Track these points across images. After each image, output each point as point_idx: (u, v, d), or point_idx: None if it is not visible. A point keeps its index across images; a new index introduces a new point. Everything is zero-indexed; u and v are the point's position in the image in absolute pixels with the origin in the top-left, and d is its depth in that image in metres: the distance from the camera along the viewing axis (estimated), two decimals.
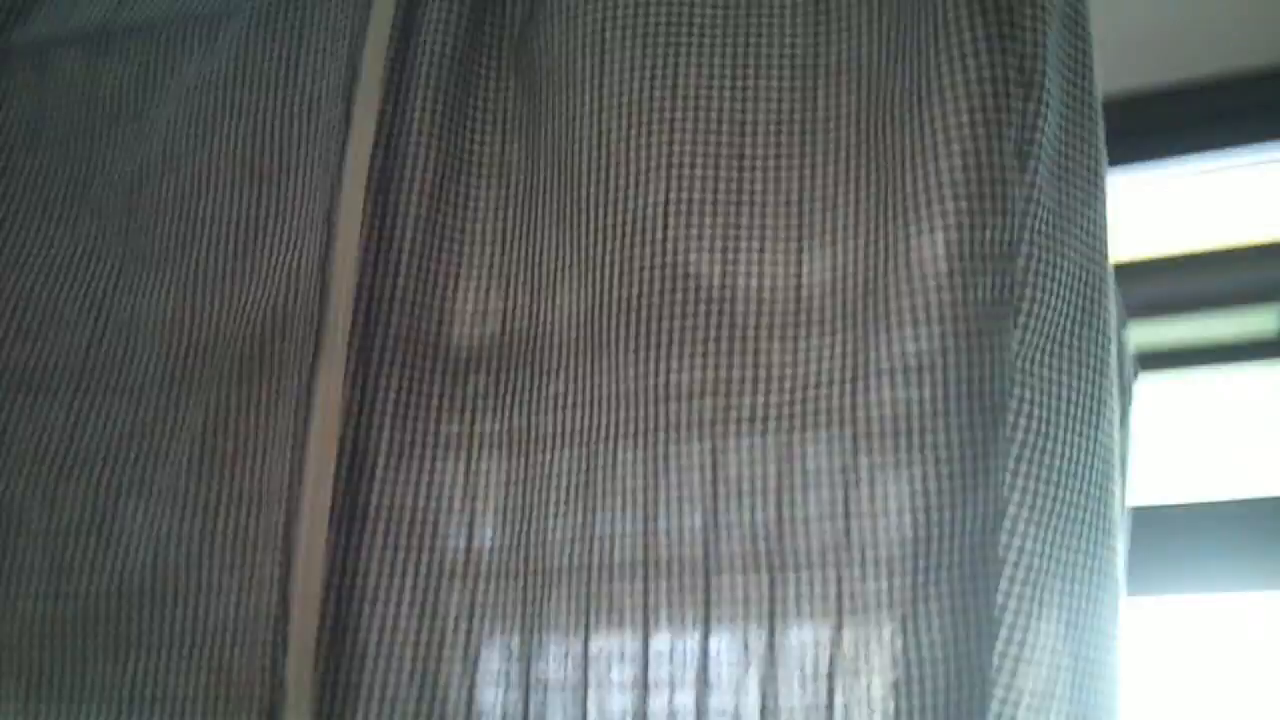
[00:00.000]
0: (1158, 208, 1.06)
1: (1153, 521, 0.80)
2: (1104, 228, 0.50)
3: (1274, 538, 0.88)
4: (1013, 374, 0.45)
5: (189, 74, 0.65)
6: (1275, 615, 0.89)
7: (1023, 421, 0.45)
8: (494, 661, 0.51)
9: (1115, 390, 0.50)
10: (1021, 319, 0.46)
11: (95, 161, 0.66)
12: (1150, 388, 0.92)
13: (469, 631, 0.51)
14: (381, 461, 0.52)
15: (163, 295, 0.60)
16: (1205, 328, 1.03)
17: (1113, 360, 0.50)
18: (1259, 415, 1.01)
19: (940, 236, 0.46)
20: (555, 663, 0.50)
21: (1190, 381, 1.01)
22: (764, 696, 0.47)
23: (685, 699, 0.49)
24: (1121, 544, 0.49)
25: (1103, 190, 0.51)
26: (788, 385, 0.50)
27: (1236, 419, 1.01)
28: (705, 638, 0.49)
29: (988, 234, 0.46)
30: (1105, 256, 0.50)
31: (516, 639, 0.51)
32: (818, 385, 0.49)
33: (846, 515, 0.47)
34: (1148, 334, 0.99)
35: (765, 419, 0.50)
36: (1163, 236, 1.03)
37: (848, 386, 0.49)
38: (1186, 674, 0.90)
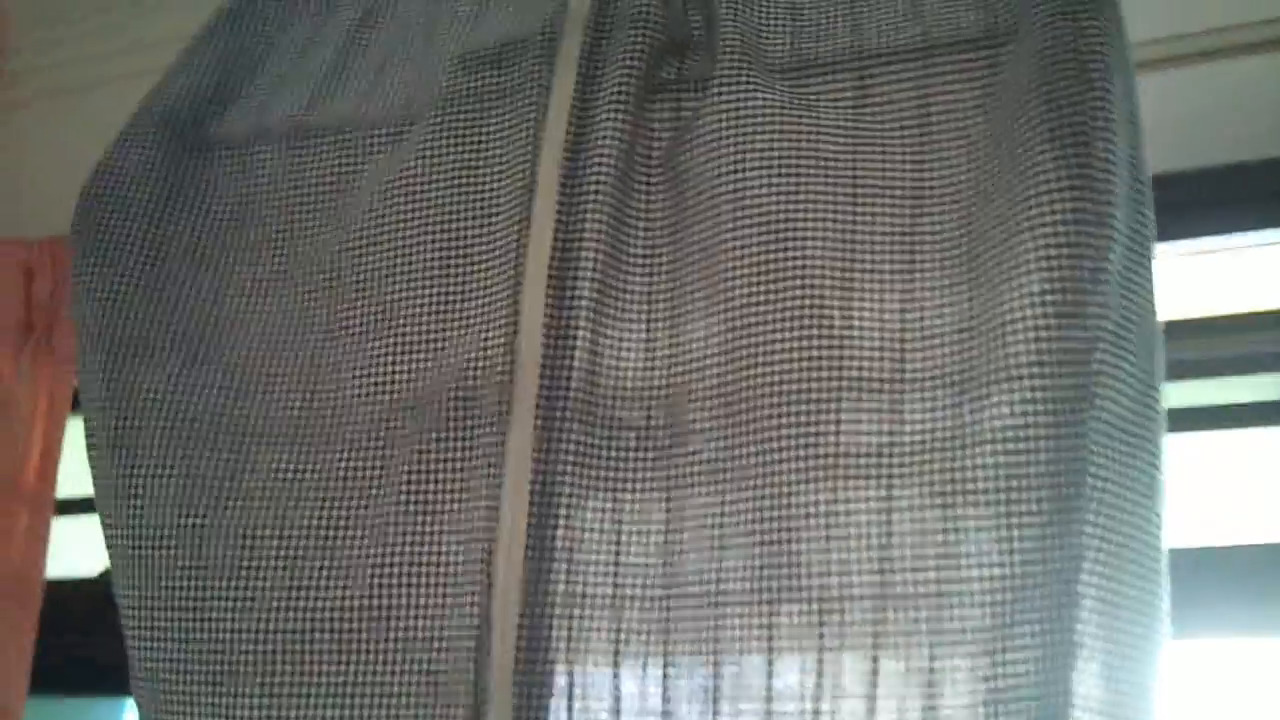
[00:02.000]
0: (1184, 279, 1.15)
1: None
2: (1156, 325, 0.62)
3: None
4: (1088, 453, 0.57)
5: (379, 172, 0.76)
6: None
7: (1097, 494, 0.57)
8: (658, 674, 0.62)
9: (1164, 465, 0.61)
10: (1094, 409, 0.57)
11: (297, 244, 0.77)
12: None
13: (626, 651, 0.63)
14: (564, 504, 0.64)
15: (364, 362, 0.71)
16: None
17: (1163, 438, 0.61)
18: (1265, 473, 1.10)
19: (1030, 343, 0.57)
20: (697, 677, 0.61)
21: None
22: (866, 710, 0.58)
23: (798, 711, 0.59)
24: (1166, 593, 0.60)
25: (1154, 294, 0.62)
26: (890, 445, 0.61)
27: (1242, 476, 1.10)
28: (819, 663, 0.59)
29: (1068, 342, 0.57)
30: (1158, 351, 0.62)
31: (661, 659, 0.62)
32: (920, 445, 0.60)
33: (943, 561, 0.58)
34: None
35: (872, 470, 0.61)
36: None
37: (948, 450, 0.60)
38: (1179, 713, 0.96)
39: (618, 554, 0.64)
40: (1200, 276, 1.15)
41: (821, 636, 0.59)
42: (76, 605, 1.14)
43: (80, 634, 1.11)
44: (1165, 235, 1.06)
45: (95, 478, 0.73)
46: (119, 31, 1.32)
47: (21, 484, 1.15)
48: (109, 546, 0.72)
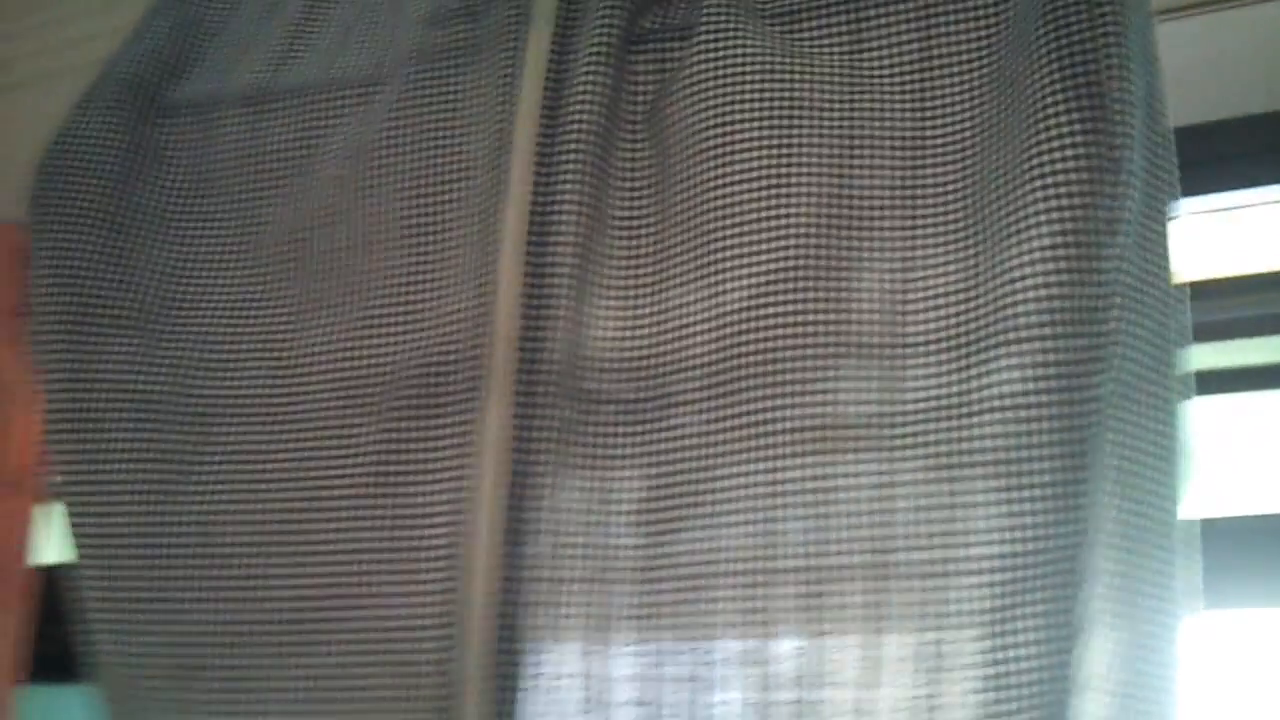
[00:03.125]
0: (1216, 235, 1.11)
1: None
2: (1173, 282, 0.58)
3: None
4: (1101, 419, 0.53)
5: (346, 136, 0.72)
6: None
7: (1113, 463, 0.53)
8: (641, 658, 0.58)
9: (1182, 428, 0.57)
10: (1109, 372, 0.53)
11: (261, 213, 0.73)
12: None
13: (612, 631, 0.59)
14: (544, 483, 0.60)
15: (334, 336, 0.68)
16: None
17: (1181, 400, 0.57)
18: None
19: (1038, 301, 0.53)
20: (683, 661, 0.58)
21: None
22: (865, 692, 0.54)
23: (793, 695, 0.56)
24: (1189, 561, 0.56)
25: (1172, 252, 0.58)
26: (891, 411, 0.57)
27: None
28: (814, 645, 0.56)
29: (1079, 300, 0.53)
30: (1175, 309, 0.58)
31: (650, 637, 0.59)
32: (920, 414, 0.57)
33: (947, 534, 0.54)
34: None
35: (870, 441, 0.57)
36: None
37: (950, 418, 0.56)
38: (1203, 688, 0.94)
39: (600, 533, 0.60)
40: (1220, 234, 1.11)
41: (817, 617, 0.56)
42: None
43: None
44: (1187, 191, 1.05)
45: (55, 458, 0.70)
46: (110, 12, 1.29)
47: (5, 470, 1.13)
48: (69, 530, 0.69)
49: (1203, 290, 1.04)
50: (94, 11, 1.31)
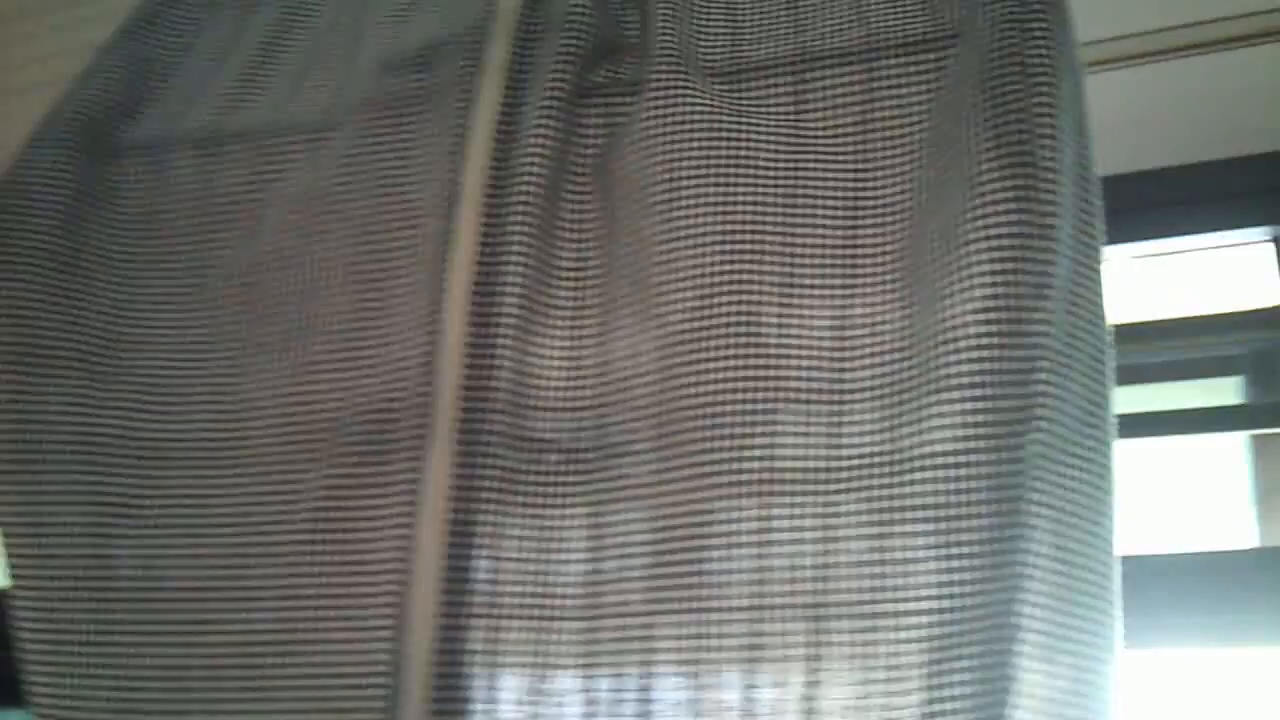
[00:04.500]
0: (1127, 281, 1.14)
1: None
2: (1105, 343, 0.60)
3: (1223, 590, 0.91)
4: (1029, 477, 0.54)
5: (297, 180, 0.72)
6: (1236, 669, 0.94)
7: (1037, 520, 0.54)
8: (579, 704, 0.59)
9: (1114, 483, 0.59)
10: (1036, 432, 0.54)
11: (210, 256, 0.73)
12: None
13: (555, 676, 0.60)
14: (486, 532, 0.61)
15: (278, 379, 0.68)
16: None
17: (1113, 455, 0.59)
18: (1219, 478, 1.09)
19: (970, 362, 0.55)
20: (623, 705, 0.58)
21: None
22: None
23: None
24: (1119, 612, 0.58)
25: (1103, 308, 0.60)
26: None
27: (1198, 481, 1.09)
28: (751, 678, 0.56)
29: (1009, 361, 0.54)
30: (1106, 367, 0.59)
31: (593, 683, 0.59)
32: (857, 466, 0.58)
33: (882, 588, 0.55)
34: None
35: (807, 491, 0.58)
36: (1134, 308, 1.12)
37: (884, 472, 0.57)
38: None
39: (543, 579, 0.61)
40: (1151, 280, 1.14)
41: (753, 659, 0.57)
42: None
43: None
44: (1116, 238, 1.07)
45: None
46: (76, 30, 1.28)
47: None
48: (10, 569, 0.68)
49: (1129, 334, 1.07)
50: (60, 29, 1.30)
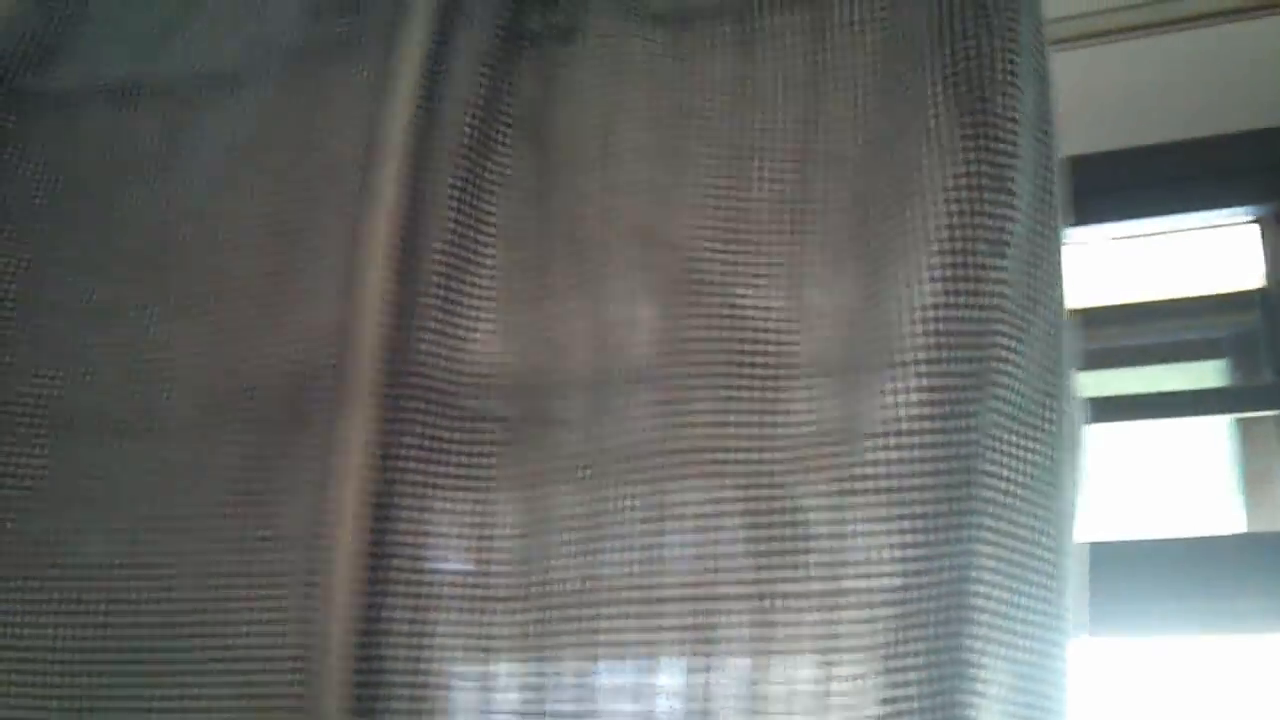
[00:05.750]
0: (1108, 263, 1.11)
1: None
2: (1064, 306, 0.56)
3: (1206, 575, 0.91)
4: (983, 445, 0.50)
5: (213, 132, 0.69)
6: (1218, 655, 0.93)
7: (989, 493, 0.50)
8: (511, 688, 0.55)
9: (1071, 454, 0.55)
10: (991, 397, 0.51)
11: (123, 212, 0.69)
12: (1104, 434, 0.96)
13: (487, 660, 0.56)
14: (405, 503, 0.57)
15: (193, 343, 0.64)
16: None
17: (1070, 427, 0.55)
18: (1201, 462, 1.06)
19: (921, 323, 0.51)
20: (561, 690, 0.55)
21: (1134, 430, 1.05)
22: None
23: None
24: (1074, 590, 0.54)
25: (1063, 272, 0.56)
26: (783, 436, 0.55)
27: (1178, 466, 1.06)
28: (705, 668, 0.53)
29: (963, 323, 0.51)
30: (1064, 333, 0.56)
31: (528, 667, 0.56)
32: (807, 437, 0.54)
33: (835, 564, 0.52)
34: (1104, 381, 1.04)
35: (753, 466, 0.54)
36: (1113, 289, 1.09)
37: (835, 443, 0.53)
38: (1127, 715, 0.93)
39: (472, 556, 0.57)
40: (1132, 262, 1.11)
41: (703, 646, 0.53)
42: None
43: None
44: (1089, 219, 1.04)
45: None
46: None
47: None
48: None
49: (1099, 316, 1.04)
50: None
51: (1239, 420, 1.04)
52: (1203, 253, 1.11)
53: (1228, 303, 1.07)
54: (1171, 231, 1.09)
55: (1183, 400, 1.01)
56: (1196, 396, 1.02)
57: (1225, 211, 1.06)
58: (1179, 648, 0.92)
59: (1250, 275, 1.05)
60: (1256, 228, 1.06)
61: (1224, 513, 1.03)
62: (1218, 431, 1.05)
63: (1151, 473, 1.06)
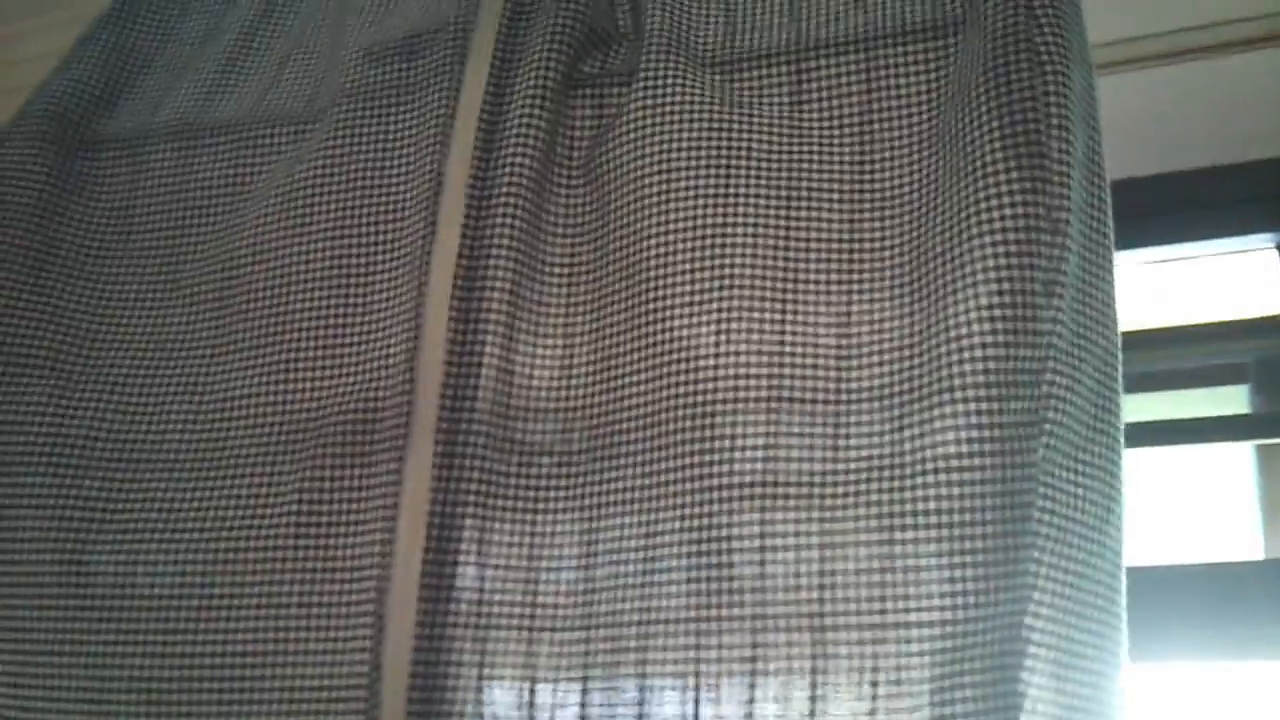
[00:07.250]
0: (1131, 288, 1.12)
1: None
2: (1116, 344, 0.57)
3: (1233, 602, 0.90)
4: (1038, 483, 0.52)
5: (277, 174, 0.70)
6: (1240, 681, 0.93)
7: (1044, 529, 0.52)
8: (571, 715, 0.56)
9: (1122, 490, 0.56)
10: (1044, 436, 0.52)
11: (187, 251, 0.71)
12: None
13: (546, 689, 0.57)
14: (467, 536, 0.58)
15: (256, 380, 0.65)
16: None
17: (1122, 461, 0.56)
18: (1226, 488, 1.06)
19: (977, 361, 0.52)
20: (616, 714, 0.56)
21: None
22: None
23: None
24: (1124, 624, 0.55)
25: (1115, 310, 0.57)
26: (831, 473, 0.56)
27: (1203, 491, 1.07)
28: (751, 691, 0.54)
29: (1017, 362, 0.52)
30: (1116, 369, 0.57)
31: (587, 696, 0.57)
32: (860, 471, 0.56)
33: (886, 598, 0.53)
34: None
35: (806, 498, 0.56)
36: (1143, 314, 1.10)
37: (889, 478, 0.55)
38: None
39: (531, 587, 0.58)
40: (1157, 286, 1.12)
41: (753, 672, 0.54)
42: None
43: None
44: (1125, 243, 1.05)
45: None
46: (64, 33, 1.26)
47: None
48: None
49: (1134, 341, 1.05)
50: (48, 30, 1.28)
51: (1261, 446, 1.04)
52: (1225, 279, 1.12)
53: (1252, 328, 1.08)
54: (1194, 257, 1.10)
55: (1204, 426, 1.01)
56: (1218, 422, 1.02)
57: (1248, 238, 1.07)
58: (1198, 674, 0.92)
59: (1273, 301, 1.07)
60: (1278, 254, 1.07)
61: (1245, 539, 1.03)
62: (1240, 457, 1.06)
63: (1173, 498, 1.07)
